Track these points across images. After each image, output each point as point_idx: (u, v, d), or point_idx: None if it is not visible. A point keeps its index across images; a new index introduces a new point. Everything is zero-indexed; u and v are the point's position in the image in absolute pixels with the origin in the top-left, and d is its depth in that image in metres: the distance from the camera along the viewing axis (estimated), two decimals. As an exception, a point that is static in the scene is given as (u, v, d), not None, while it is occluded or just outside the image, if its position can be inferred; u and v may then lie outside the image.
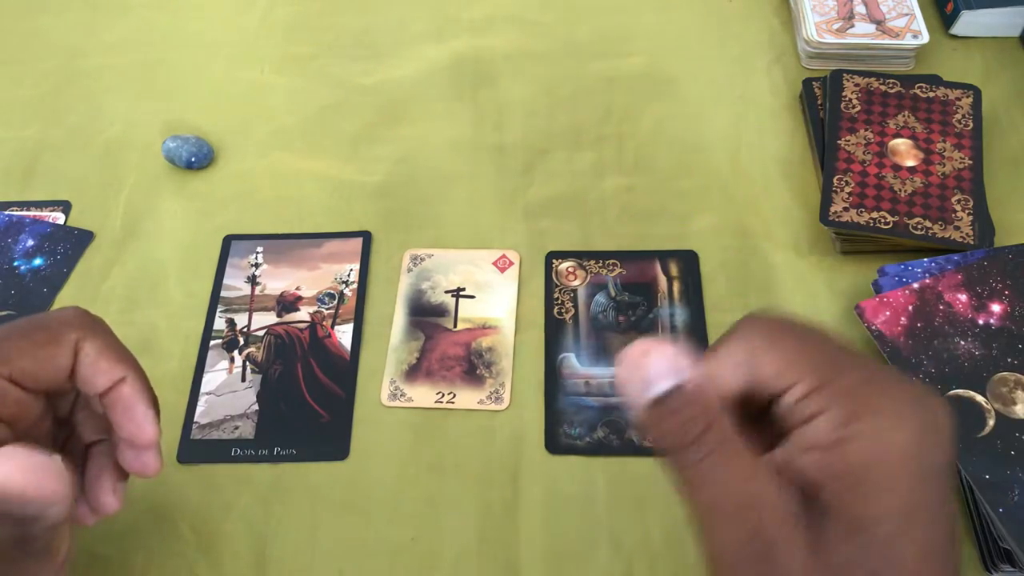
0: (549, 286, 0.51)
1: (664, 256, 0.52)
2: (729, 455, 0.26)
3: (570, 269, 0.51)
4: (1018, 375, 0.42)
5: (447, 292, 0.51)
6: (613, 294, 0.50)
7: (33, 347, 0.32)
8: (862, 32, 0.60)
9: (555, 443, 0.45)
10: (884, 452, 0.26)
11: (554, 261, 0.52)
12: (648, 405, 0.27)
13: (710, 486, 0.26)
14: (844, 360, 0.28)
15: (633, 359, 0.27)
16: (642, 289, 0.50)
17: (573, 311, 0.50)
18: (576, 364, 0.48)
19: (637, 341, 0.27)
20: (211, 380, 0.48)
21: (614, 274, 0.51)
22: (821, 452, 0.26)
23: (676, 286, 0.50)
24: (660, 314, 0.49)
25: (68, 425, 0.36)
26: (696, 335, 0.48)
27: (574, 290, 0.51)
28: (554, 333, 0.49)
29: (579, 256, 0.52)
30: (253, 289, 0.52)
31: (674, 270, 0.51)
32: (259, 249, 0.54)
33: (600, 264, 0.51)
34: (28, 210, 0.56)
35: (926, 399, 0.27)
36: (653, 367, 0.26)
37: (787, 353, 0.28)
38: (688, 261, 0.51)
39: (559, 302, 0.50)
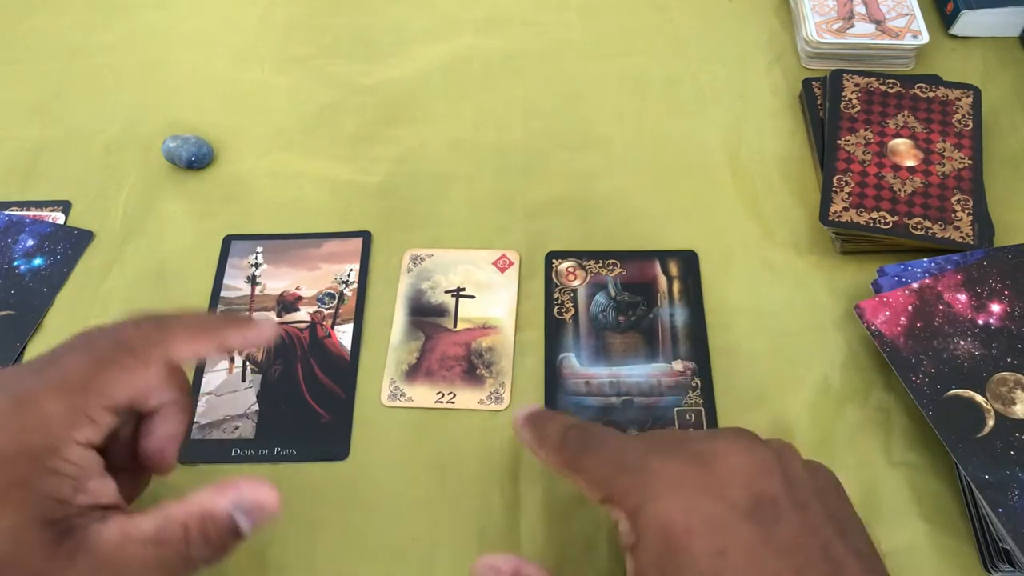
0: (549, 286, 0.51)
1: (664, 256, 0.52)
2: None
3: (570, 269, 0.51)
4: (1018, 375, 0.42)
5: (447, 292, 0.51)
6: (613, 294, 0.50)
7: (127, 375, 0.32)
8: (862, 32, 0.60)
9: (555, 443, 0.45)
10: (663, 535, 0.27)
11: (554, 261, 0.52)
12: None
13: None
14: (626, 459, 0.30)
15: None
16: (642, 289, 0.50)
17: (573, 311, 0.50)
18: (576, 364, 0.48)
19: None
20: (211, 380, 0.48)
21: (614, 274, 0.51)
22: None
23: (676, 286, 0.50)
24: (660, 314, 0.49)
25: None
26: (696, 335, 0.48)
27: (574, 290, 0.51)
28: (554, 333, 0.49)
29: (579, 256, 0.52)
30: (253, 289, 0.52)
31: (674, 270, 0.51)
32: (259, 249, 0.54)
33: (600, 264, 0.51)
34: (28, 210, 0.56)
35: (703, 454, 0.30)
36: None
37: (589, 470, 0.32)
38: (688, 261, 0.51)
39: (559, 302, 0.50)
